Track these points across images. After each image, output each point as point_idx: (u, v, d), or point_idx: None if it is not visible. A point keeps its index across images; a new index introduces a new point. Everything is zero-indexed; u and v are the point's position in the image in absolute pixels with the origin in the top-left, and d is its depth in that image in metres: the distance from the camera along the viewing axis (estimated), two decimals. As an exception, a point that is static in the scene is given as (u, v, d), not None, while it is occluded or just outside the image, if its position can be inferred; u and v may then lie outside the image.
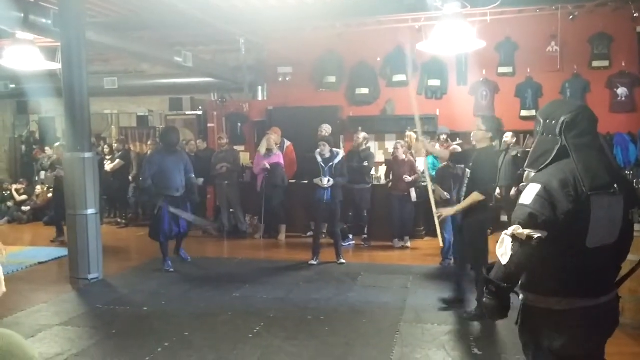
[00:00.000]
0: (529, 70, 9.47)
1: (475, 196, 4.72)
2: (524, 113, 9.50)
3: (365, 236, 8.25)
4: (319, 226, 7.42)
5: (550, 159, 2.16)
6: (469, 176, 4.83)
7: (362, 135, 8.42)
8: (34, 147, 12.86)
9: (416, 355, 4.20)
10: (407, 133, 8.57)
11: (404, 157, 7.93)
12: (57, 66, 7.07)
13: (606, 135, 9.06)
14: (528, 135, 9.11)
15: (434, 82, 9.88)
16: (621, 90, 9.22)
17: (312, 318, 5.01)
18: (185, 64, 8.95)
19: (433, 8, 6.65)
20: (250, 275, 6.57)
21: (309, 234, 8.66)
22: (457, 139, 9.33)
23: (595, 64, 9.25)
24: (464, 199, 4.86)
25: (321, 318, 5.00)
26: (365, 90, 10.13)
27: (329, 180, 6.91)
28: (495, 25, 8.65)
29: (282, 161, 8.38)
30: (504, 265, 2.11)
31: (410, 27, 8.89)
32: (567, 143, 2.15)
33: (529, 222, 2.07)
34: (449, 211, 5.12)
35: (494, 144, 5.05)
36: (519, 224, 2.09)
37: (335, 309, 5.27)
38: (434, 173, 7.16)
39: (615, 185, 2.12)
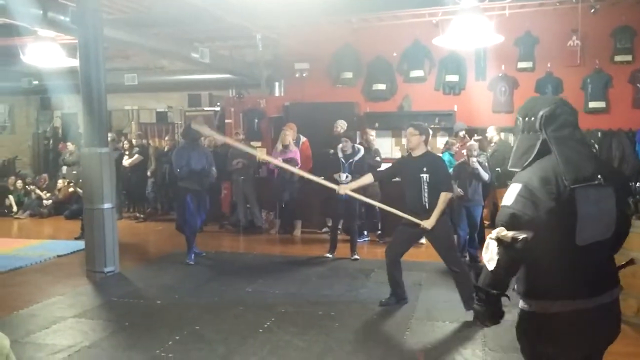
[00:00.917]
0: (549, 65, 9.29)
1: (445, 196, 4.86)
2: (543, 109, 9.34)
3: (380, 232, 8.22)
4: (336, 222, 7.44)
5: (532, 156, 2.12)
6: (427, 180, 4.88)
7: (374, 132, 8.51)
8: (58, 142, 13.07)
9: (427, 353, 4.17)
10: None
11: None
12: (77, 63, 7.19)
13: (628, 132, 8.89)
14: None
15: (452, 78, 9.76)
16: (645, 86, 9.00)
17: (322, 314, 5.00)
18: (202, 60, 9.01)
19: (451, 2, 6.59)
20: (263, 270, 6.60)
21: (324, 229, 8.67)
22: (475, 135, 9.25)
23: (618, 58, 9.02)
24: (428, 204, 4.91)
25: (332, 314, 4.99)
26: (382, 86, 10.06)
27: (347, 177, 6.93)
28: (515, 19, 8.52)
29: (297, 157, 8.38)
30: (491, 271, 2.05)
31: (427, 22, 8.81)
32: (547, 137, 2.11)
33: (512, 223, 2.02)
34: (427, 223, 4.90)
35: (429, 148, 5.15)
36: (503, 226, 2.04)
37: (347, 304, 5.26)
38: (451, 170, 7.08)
39: (600, 176, 2.05)
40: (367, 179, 5.31)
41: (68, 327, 4.79)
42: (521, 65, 9.52)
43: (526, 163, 2.13)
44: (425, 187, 4.88)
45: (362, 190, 7.87)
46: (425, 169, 4.87)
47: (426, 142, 5.04)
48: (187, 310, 5.17)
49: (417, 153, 4.98)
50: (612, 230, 2.08)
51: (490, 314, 2.11)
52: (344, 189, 5.29)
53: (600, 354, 2.23)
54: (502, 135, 8.63)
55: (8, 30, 8.24)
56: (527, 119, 2.19)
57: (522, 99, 9.10)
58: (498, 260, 2.02)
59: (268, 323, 4.77)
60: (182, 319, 4.94)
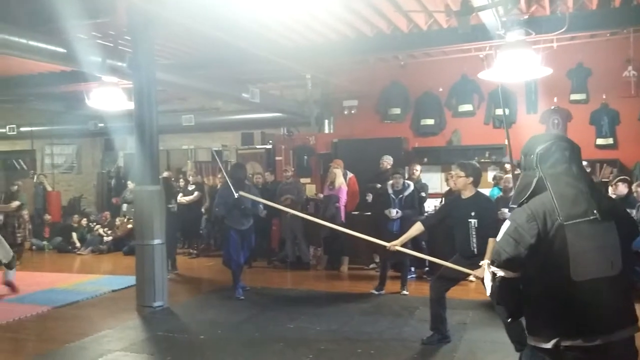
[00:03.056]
0: (604, 97, 9.02)
1: (493, 244, 4.52)
2: (599, 141, 9.03)
3: (427, 269, 8.06)
4: (386, 258, 7.38)
5: (529, 193, 2.16)
6: (476, 225, 4.67)
7: (419, 167, 8.48)
8: (121, 181, 13.71)
9: (465, 394, 4.02)
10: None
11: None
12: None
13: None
14: (605, 165, 8.64)
15: (502, 111, 9.62)
16: None
17: (362, 351, 4.93)
18: (253, 100, 9.33)
19: (496, 37, 6.56)
20: (307, 306, 6.60)
21: (371, 266, 8.60)
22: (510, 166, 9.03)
23: (676, 87, 8.65)
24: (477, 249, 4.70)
25: (371, 352, 4.91)
26: (430, 121, 10.05)
27: (397, 212, 6.95)
28: (566, 51, 8.36)
29: (340, 194, 8.45)
30: (489, 295, 2.17)
31: (474, 56, 8.77)
32: (543, 174, 2.15)
33: (497, 259, 2.10)
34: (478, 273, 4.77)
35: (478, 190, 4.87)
36: (491, 260, 2.13)
37: (387, 342, 5.17)
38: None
39: (595, 212, 2.04)
40: (417, 229, 5.11)
41: (114, 360, 4.95)
42: (574, 97, 9.29)
43: (522, 200, 2.17)
44: (474, 232, 4.68)
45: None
46: (473, 214, 4.68)
47: (476, 183, 4.78)
48: (228, 346, 5.23)
49: (466, 195, 4.78)
50: (618, 267, 2.03)
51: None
52: (394, 246, 5.10)
53: None
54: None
55: (75, 76, 8.89)
56: (527, 157, 2.23)
57: (577, 132, 8.96)
58: (491, 287, 2.16)
59: (306, 360, 4.75)
60: (223, 353, 5.00)
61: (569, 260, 2.00)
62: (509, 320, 2.16)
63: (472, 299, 6.48)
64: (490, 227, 4.59)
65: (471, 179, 4.73)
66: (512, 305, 2.16)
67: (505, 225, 2.14)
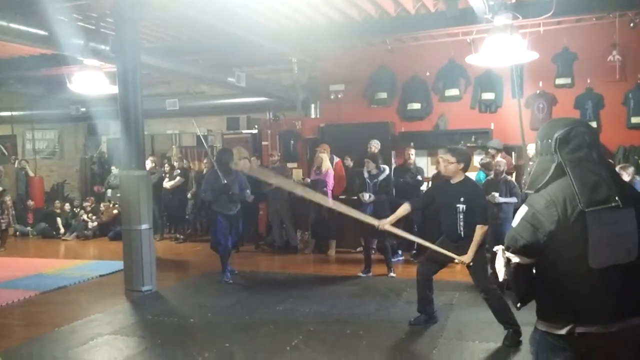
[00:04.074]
0: (588, 81, 9.10)
1: (481, 230, 4.61)
2: (583, 125, 9.11)
3: (415, 252, 8.15)
4: (369, 241, 7.46)
5: (547, 178, 2.10)
6: (464, 211, 4.67)
7: (413, 151, 8.50)
8: (104, 166, 13.57)
9: (454, 372, 4.10)
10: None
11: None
12: (118, 90, 7.52)
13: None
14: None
15: (488, 96, 9.68)
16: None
17: (350, 332, 4.99)
18: (239, 84, 9.25)
19: (484, 20, 6.57)
20: (296, 289, 6.64)
21: (358, 249, 8.65)
22: (513, 152, 9.11)
23: (661, 72, 8.76)
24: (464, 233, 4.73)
25: (360, 332, 4.97)
26: (417, 106, 10.07)
27: (370, 196, 7.00)
28: (552, 35, 8.40)
29: (327, 179, 8.47)
30: (500, 281, 2.12)
31: (462, 41, 8.79)
32: (562, 159, 2.09)
33: (512, 245, 2.07)
34: (464, 259, 4.76)
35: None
36: (506, 245, 2.09)
37: (376, 324, 5.23)
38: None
39: (617, 198, 1.99)
40: (404, 209, 5.09)
41: (104, 344, 4.94)
42: (559, 81, 9.36)
43: (539, 185, 2.12)
44: (461, 217, 4.69)
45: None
46: (462, 199, 4.67)
47: (466, 168, 4.76)
48: (218, 329, 5.25)
49: (455, 180, 4.77)
50: (634, 254, 2.01)
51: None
52: (383, 224, 5.09)
53: None
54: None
55: (56, 59, 8.73)
56: (544, 141, 2.17)
57: (561, 116, 8.98)
58: (504, 272, 2.10)
59: (296, 341, 4.79)
60: (213, 336, 5.02)
61: (588, 248, 1.97)
62: (518, 305, 2.13)
63: (459, 280, 6.57)
64: (477, 212, 4.66)
65: (462, 164, 4.72)
66: (524, 291, 2.13)
67: (522, 210, 2.09)
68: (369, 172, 7.15)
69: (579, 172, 2.04)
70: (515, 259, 2.06)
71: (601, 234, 1.98)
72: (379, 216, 6.96)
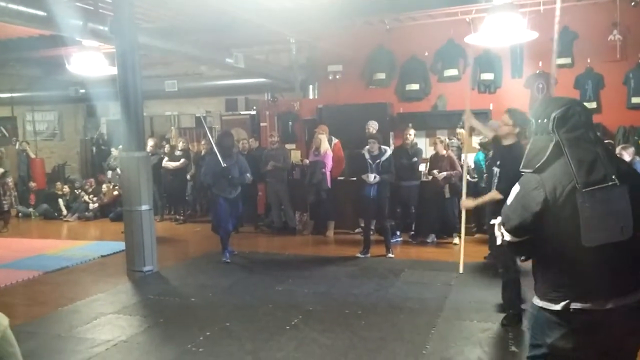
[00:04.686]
0: (589, 61, 9.06)
1: (493, 194, 4.50)
2: (583, 105, 9.09)
3: (413, 233, 8.21)
4: (368, 222, 7.52)
5: (545, 158, 2.14)
6: (497, 174, 4.58)
7: (412, 131, 8.47)
8: (104, 148, 13.58)
9: (450, 351, 4.18)
10: (458, 130, 8.48)
11: (443, 152, 7.90)
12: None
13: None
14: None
15: (487, 76, 9.65)
16: (691, 79, 8.65)
17: (349, 312, 5.06)
18: (237, 65, 9.23)
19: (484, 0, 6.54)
20: (294, 270, 6.71)
21: (357, 230, 8.73)
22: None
23: (662, 52, 8.72)
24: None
25: (359, 312, 5.05)
26: (415, 86, 10.04)
27: (375, 177, 7.02)
28: (552, 14, 8.32)
29: (326, 160, 8.49)
30: (498, 245, 2.34)
31: (461, 20, 8.74)
32: (560, 139, 2.13)
33: (505, 223, 2.21)
34: (468, 203, 4.98)
35: (521, 140, 4.63)
36: (501, 222, 2.25)
37: (374, 304, 5.31)
38: (484, 166, 7.07)
39: (614, 177, 2.04)
40: (494, 195, 4.53)
41: (107, 323, 5.02)
42: (559, 61, 9.27)
43: (538, 164, 2.15)
44: (495, 181, 4.58)
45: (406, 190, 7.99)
46: (498, 162, 4.56)
47: (521, 134, 4.38)
48: (219, 308, 5.33)
49: (505, 142, 4.48)
50: (629, 232, 2.05)
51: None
52: (468, 205, 5.04)
53: (628, 354, 2.20)
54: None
55: (54, 40, 8.69)
56: (540, 120, 2.21)
57: (561, 95, 8.90)
58: (502, 240, 2.27)
59: (295, 321, 4.87)
60: (214, 316, 5.10)
61: (580, 227, 2.02)
62: (522, 258, 2.34)
63: (457, 261, 6.62)
64: (500, 178, 4.49)
65: (517, 129, 4.44)
66: (522, 255, 2.31)
67: (515, 189, 2.19)
68: (370, 153, 7.15)
69: (576, 151, 2.09)
70: (507, 237, 2.19)
71: (592, 213, 2.02)
72: (382, 196, 7.07)
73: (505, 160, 4.42)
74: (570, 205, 2.04)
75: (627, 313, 2.07)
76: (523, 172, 2.23)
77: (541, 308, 2.16)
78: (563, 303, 2.08)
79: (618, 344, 2.13)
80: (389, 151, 7.31)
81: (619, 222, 2.05)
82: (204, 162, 7.44)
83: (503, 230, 2.20)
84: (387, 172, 7.12)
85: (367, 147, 7.24)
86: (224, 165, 6.95)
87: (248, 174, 7.32)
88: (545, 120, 2.18)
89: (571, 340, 2.09)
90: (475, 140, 9.22)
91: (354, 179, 8.46)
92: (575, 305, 2.07)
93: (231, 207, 7.18)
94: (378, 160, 7.11)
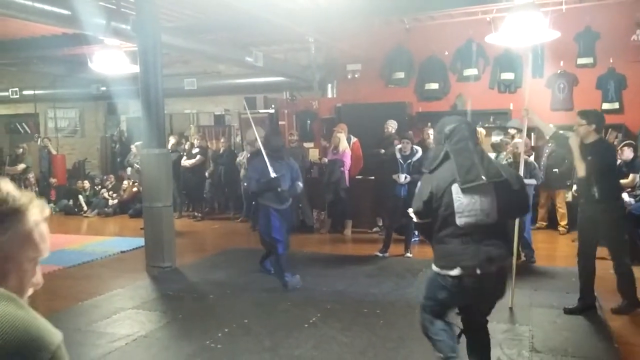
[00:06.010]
0: (611, 61, 8.95)
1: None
2: (605, 106, 8.95)
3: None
4: (394, 222, 7.45)
5: (438, 162, 3.04)
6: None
7: (431, 131, 8.42)
8: (124, 145, 13.72)
9: (468, 351, 4.14)
10: (477, 129, 8.41)
11: None
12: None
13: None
14: (610, 129, 8.59)
15: (507, 76, 9.58)
16: None
17: (368, 311, 5.06)
18: (256, 64, 9.27)
19: (505, -1, 6.49)
20: (312, 267, 6.72)
21: (374, 229, 8.71)
22: (532, 133, 9.02)
23: (686, 52, 8.58)
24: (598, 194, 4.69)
25: (377, 311, 5.05)
26: (435, 86, 10.00)
27: (406, 177, 7.00)
28: (574, 14, 8.26)
29: (345, 159, 8.49)
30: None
31: (481, 20, 8.68)
32: (448, 149, 3.01)
33: (413, 208, 3.13)
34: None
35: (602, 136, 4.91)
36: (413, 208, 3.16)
37: (392, 303, 5.30)
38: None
39: (483, 177, 2.91)
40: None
41: (127, 318, 5.08)
42: (581, 61, 9.21)
43: (432, 167, 3.09)
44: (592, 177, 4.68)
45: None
46: (589, 158, 4.66)
47: (598, 130, 4.78)
48: (237, 305, 5.37)
49: (587, 140, 4.72)
50: (493, 217, 2.93)
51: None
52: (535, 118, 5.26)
53: (488, 304, 3.18)
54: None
55: (77, 39, 8.82)
56: (437, 134, 3.17)
57: (583, 96, 8.93)
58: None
59: (313, 318, 4.88)
60: (232, 312, 5.13)
61: (454, 212, 2.91)
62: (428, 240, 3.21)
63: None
64: (605, 172, 4.66)
65: (593, 125, 4.71)
66: (426, 235, 3.26)
67: (419, 184, 3.20)
68: (402, 153, 7.13)
69: (459, 159, 2.97)
70: (414, 219, 3.13)
71: (467, 202, 2.90)
72: (411, 196, 7.03)
73: (594, 156, 4.65)
74: (447, 197, 2.92)
75: (501, 274, 3.02)
76: (423, 172, 3.26)
77: (435, 272, 3.05)
78: (447, 271, 2.93)
79: (483, 299, 3.08)
80: (420, 151, 7.26)
81: (484, 209, 2.91)
82: (250, 165, 6.45)
83: (412, 214, 3.09)
84: (418, 172, 7.10)
85: (399, 146, 7.21)
86: (273, 174, 5.69)
87: (299, 182, 6.09)
88: (440, 135, 3.09)
89: (450, 297, 3.02)
90: (493, 141, 9.18)
91: (372, 177, 8.48)
92: (454, 273, 2.90)
93: (282, 219, 5.91)
94: (409, 161, 7.08)
